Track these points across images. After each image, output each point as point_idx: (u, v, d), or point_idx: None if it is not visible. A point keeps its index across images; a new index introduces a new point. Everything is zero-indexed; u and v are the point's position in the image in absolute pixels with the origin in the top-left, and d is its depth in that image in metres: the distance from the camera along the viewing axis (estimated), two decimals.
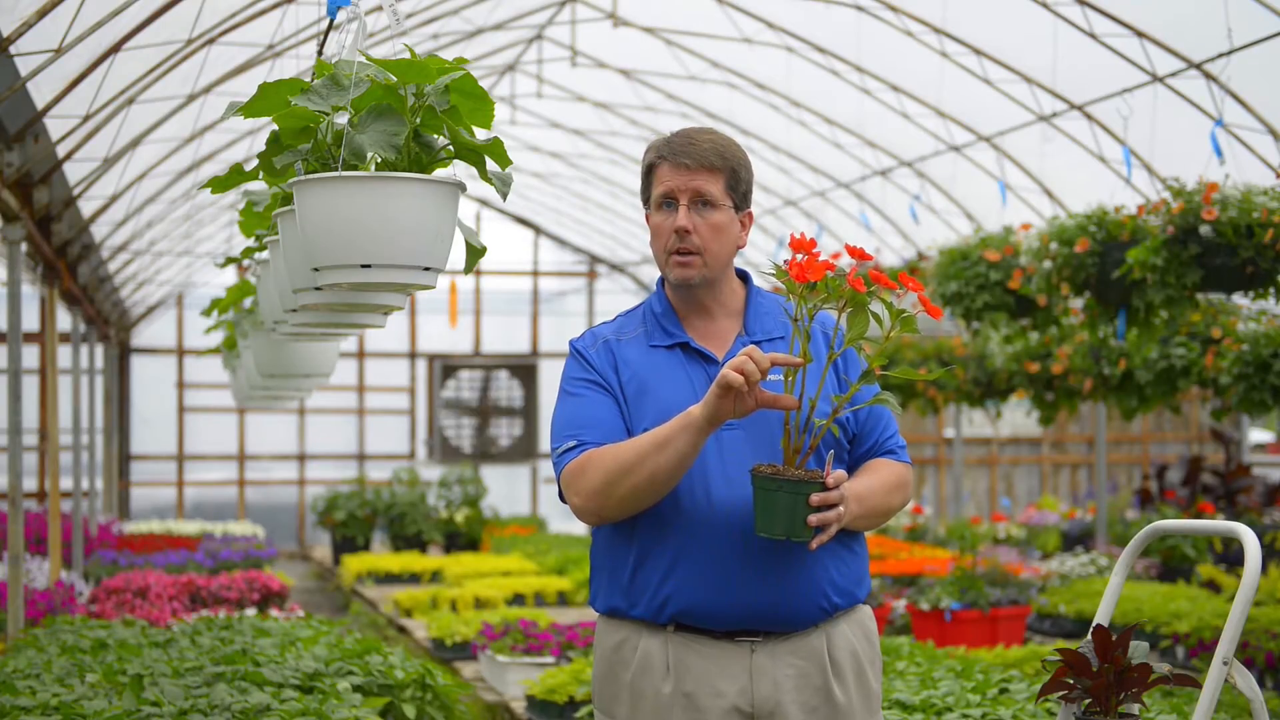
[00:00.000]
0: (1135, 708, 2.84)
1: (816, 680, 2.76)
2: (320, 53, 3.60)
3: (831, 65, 9.86)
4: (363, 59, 2.75)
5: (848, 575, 2.82)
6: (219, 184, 3.25)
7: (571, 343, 2.94)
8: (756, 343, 2.85)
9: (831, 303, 2.63)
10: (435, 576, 11.87)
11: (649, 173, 2.87)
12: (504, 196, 2.78)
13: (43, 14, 4.81)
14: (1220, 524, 2.93)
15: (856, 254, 2.74)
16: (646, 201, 2.90)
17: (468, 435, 17.30)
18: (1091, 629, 2.82)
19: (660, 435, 2.67)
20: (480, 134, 2.77)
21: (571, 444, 2.76)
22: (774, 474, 2.60)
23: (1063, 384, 9.36)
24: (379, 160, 2.67)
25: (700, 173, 2.80)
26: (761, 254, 14.66)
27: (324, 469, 16.94)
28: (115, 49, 5.82)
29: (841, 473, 2.64)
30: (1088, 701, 2.81)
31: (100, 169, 7.54)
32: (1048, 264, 6.73)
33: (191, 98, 7.59)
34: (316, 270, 2.71)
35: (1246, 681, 2.75)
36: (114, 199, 8.56)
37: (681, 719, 2.73)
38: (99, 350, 13.82)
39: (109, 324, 13.27)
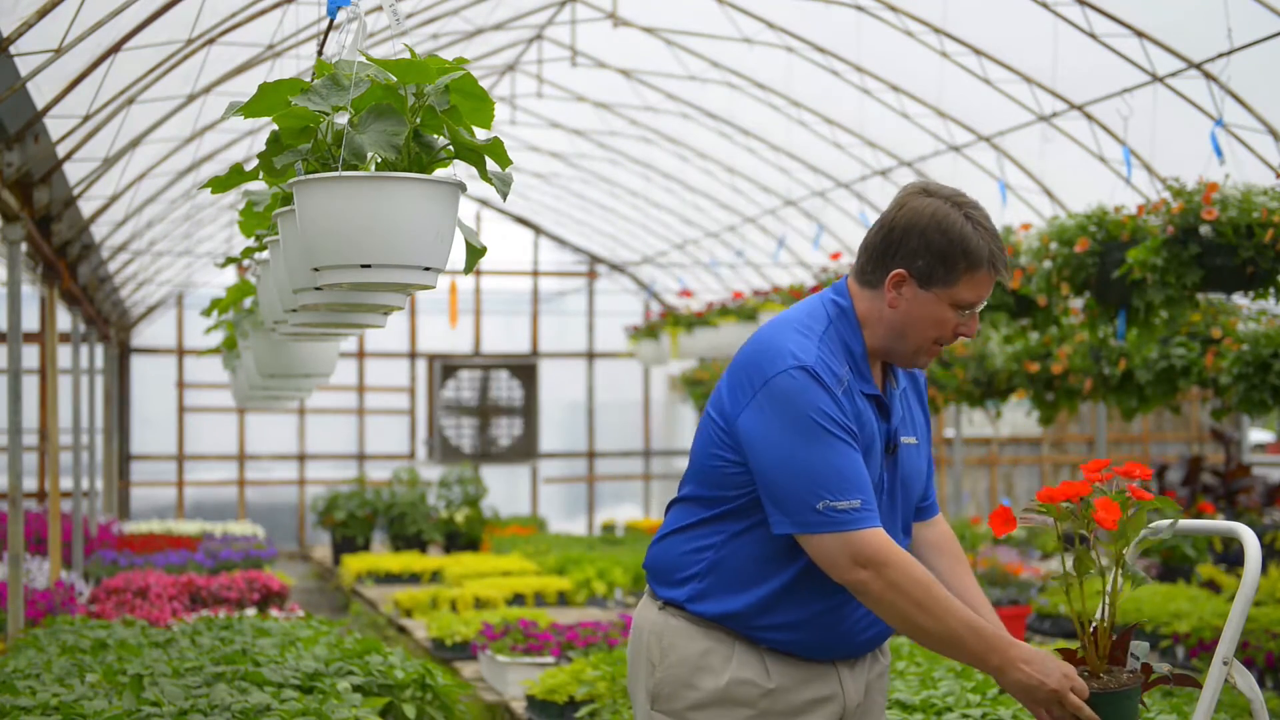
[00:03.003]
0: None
1: (879, 665, 2.98)
2: (320, 53, 3.60)
3: (831, 65, 9.86)
4: (363, 59, 2.75)
5: None
6: (219, 184, 3.25)
7: (815, 369, 2.71)
8: (903, 390, 2.91)
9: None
10: (435, 576, 11.86)
11: (963, 266, 2.73)
12: (504, 196, 2.78)
13: (43, 14, 4.80)
14: (1220, 524, 2.93)
15: None
16: (929, 281, 2.75)
17: (468, 435, 17.30)
18: (1091, 629, 2.81)
19: (976, 631, 2.65)
20: (480, 134, 2.77)
21: (857, 503, 2.66)
22: (1120, 689, 2.67)
23: (1063, 384, 9.36)
24: (379, 160, 2.67)
25: None
26: (762, 254, 14.67)
27: (324, 469, 16.94)
28: (115, 49, 5.82)
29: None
30: None
31: (100, 169, 7.54)
32: (1048, 264, 6.73)
33: (191, 98, 7.59)
34: (316, 270, 2.71)
35: (1246, 681, 2.75)
36: (114, 199, 8.55)
37: (777, 716, 2.81)
38: (99, 350, 13.82)
39: (109, 324, 13.27)
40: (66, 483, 12.54)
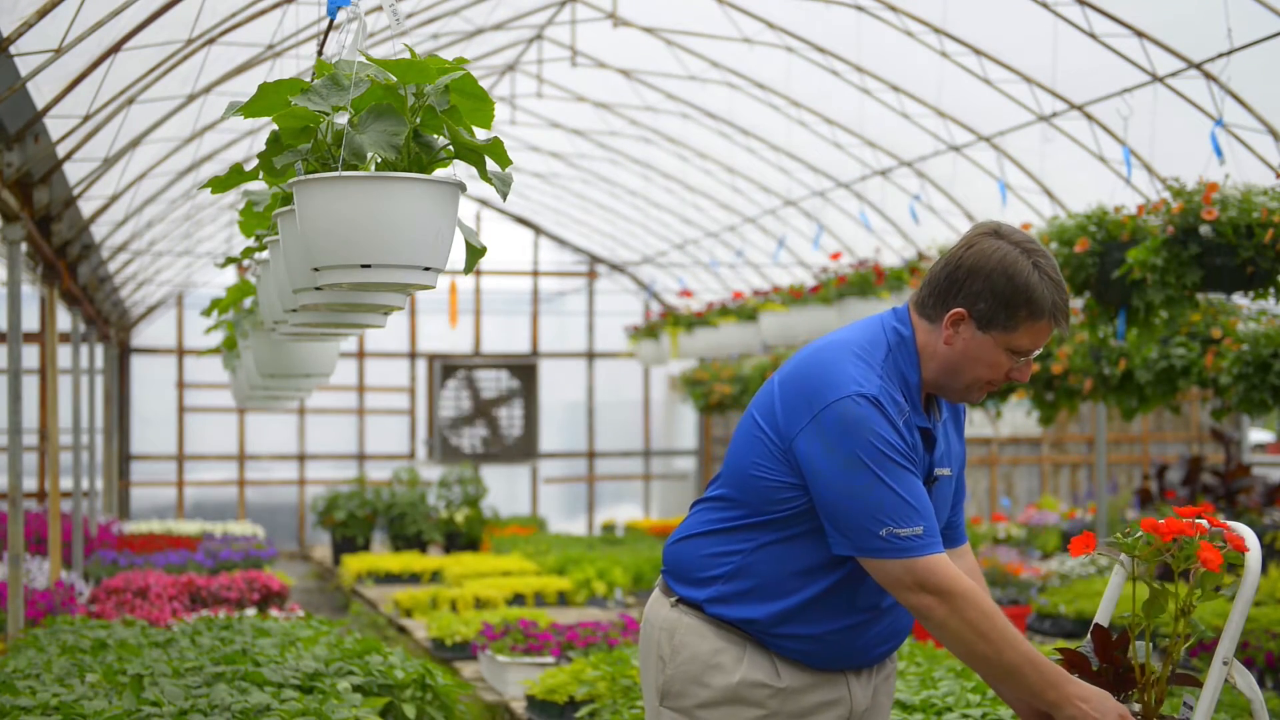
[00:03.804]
0: (1136, 707, 2.84)
1: (892, 680, 3.03)
2: (320, 53, 3.60)
3: (831, 65, 9.85)
4: (363, 59, 2.75)
5: None
6: (219, 184, 3.25)
7: (878, 399, 2.71)
8: (945, 420, 2.90)
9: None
10: (435, 576, 11.86)
11: (1024, 314, 2.72)
12: (504, 196, 2.78)
13: (43, 14, 4.80)
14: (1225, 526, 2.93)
15: None
16: (989, 324, 2.74)
17: (468, 435, 17.30)
18: (1091, 629, 2.82)
19: (1036, 665, 2.66)
20: (480, 134, 2.77)
21: (920, 529, 2.68)
22: None
23: (1063, 384, 9.35)
24: (379, 160, 2.67)
25: None
26: (762, 254, 14.67)
27: (324, 469, 16.93)
28: (115, 49, 5.82)
29: None
30: None
31: (100, 169, 7.53)
32: None
33: (191, 98, 7.59)
34: (316, 270, 2.71)
35: (1246, 681, 2.75)
36: (114, 199, 8.55)
37: (785, 717, 2.83)
38: (99, 350, 13.82)
39: (109, 324, 13.27)
40: (66, 483, 12.54)
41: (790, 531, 2.78)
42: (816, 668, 2.84)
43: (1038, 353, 2.79)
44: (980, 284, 2.73)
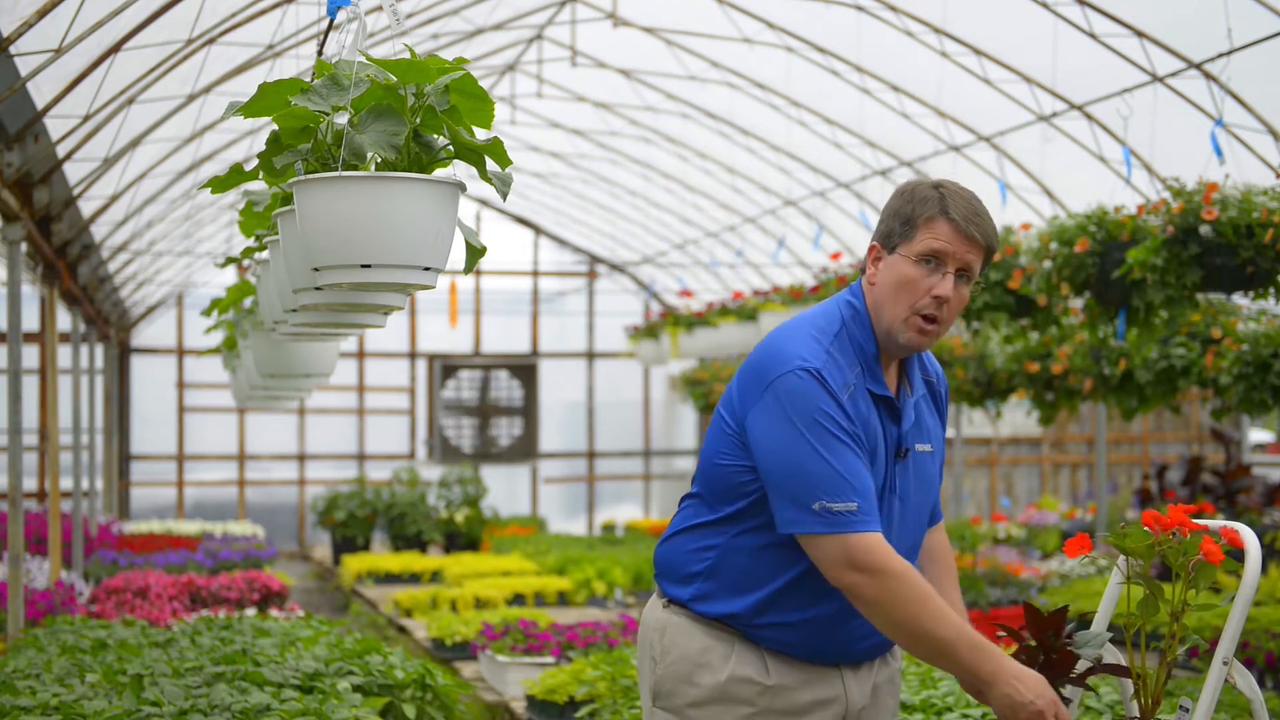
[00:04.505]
0: (1074, 691, 2.82)
1: (886, 669, 2.94)
2: (320, 53, 3.60)
3: (831, 65, 9.86)
4: (363, 59, 2.75)
5: None
6: (219, 184, 3.25)
7: (821, 372, 2.71)
8: (920, 397, 2.89)
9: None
10: (435, 576, 11.86)
11: (918, 220, 2.74)
12: (504, 196, 2.78)
13: (43, 14, 4.80)
14: (1220, 524, 2.93)
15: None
16: (893, 244, 2.76)
17: (468, 435, 17.30)
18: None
19: (970, 641, 2.63)
20: (480, 134, 2.77)
21: (854, 505, 2.66)
22: None
23: (1063, 384, 9.36)
24: (379, 160, 2.67)
25: (976, 247, 2.76)
26: (762, 254, 14.67)
27: (324, 469, 16.94)
28: (115, 49, 5.82)
29: None
30: None
31: (100, 169, 7.53)
32: (1048, 264, 6.73)
33: (191, 98, 7.59)
34: (316, 270, 2.71)
35: (1246, 681, 2.75)
36: (114, 199, 8.55)
37: (776, 716, 2.79)
38: (99, 350, 13.82)
39: (109, 324, 13.27)
40: (66, 483, 12.54)
41: (758, 520, 2.78)
42: (804, 660, 2.81)
43: (955, 266, 2.73)
44: (885, 213, 2.80)
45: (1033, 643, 2.74)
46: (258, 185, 3.76)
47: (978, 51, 8.78)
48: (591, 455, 18.00)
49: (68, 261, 8.39)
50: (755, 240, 14.36)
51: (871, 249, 2.81)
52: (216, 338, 9.01)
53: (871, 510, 2.67)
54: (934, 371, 3.00)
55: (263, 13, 6.91)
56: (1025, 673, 2.61)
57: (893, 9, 8.72)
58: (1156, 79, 7.90)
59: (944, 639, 2.62)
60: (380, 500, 14.73)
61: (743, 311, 12.39)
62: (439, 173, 2.73)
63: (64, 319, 12.07)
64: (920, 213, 2.74)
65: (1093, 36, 7.87)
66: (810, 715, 2.81)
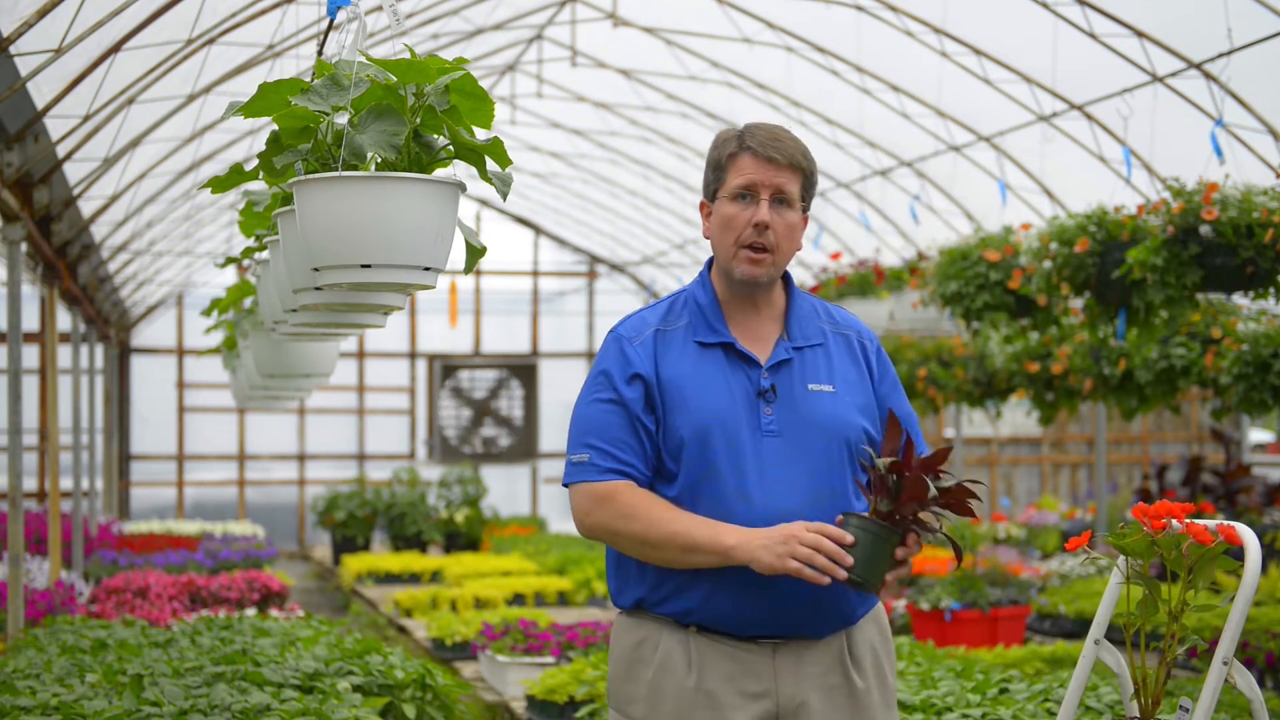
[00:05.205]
0: (934, 521, 2.69)
1: (837, 677, 2.79)
2: (320, 53, 3.60)
3: (831, 65, 9.86)
4: (363, 59, 2.75)
5: None
6: (219, 184, 3.25)
7: (616, 329, 2.90)
8: (798, 349, 2.84)
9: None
10: (435, 576, 11.87)
11: (725, 162, 2.83)
12: (504, 196, 2.78)
13: (43, 14, 4.80)
14: (1219, 524, 2.93)
15: None
16: (712, 191, 2.85)
17: (468, 435, 17.30)
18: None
19: (691, 540, 2.66)
20: (480, 134, 2.77)
21: (584, 457, 2.74)
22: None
23: (1063, 384, 9.36)
24: (379, 160, 2.67)
25: (785, 170, 2.80)
26: None
27: (324, 469, 16.94)
28: (115, 49, 5.82)
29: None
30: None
31: (100, 169, 7.53)
32: (1048, 264, 6.73)
33: (191, 98, 7.59)
34: (316, 270, 2.71)
35: (1246, 681, 2.75)
36: (114, 199, 8.55)
37: (704, 717, 2.72)
38: (99, 350, 13.82)
39: (109, 324, 13.27)
40: (66, 483, 12.54)
41: None
42: (734, 636, 2.74)
43: (765, 193, 2.78)
44: (704, 170, 2.91)
45: (881, 463, 2.65)
46: (258, 185, 3.76)
47: (978, 51, 8.78)
48: None
49: (68, 261, 8.39)
50: None
51: (701, 206, 2.90)
52: (216, 338, 9.01)
53: (612, 460, 2.73)
54: (850, 326, 2.94)
55: (263, 13, 6.91)
56: (768, 529, 2.63)
57: (893, 9, 8.72)
58: (1156, 79, 7.90)
59: (676, 529, 2.66)
60: (380, 500, 14.73)
61: None
62: (439, 173, 2.73)
63: (64, 319, 12.07)
64: (724, 153, 2.84)
65: (1093, 36, 7.87)
66: (739, 710, 2.71)
